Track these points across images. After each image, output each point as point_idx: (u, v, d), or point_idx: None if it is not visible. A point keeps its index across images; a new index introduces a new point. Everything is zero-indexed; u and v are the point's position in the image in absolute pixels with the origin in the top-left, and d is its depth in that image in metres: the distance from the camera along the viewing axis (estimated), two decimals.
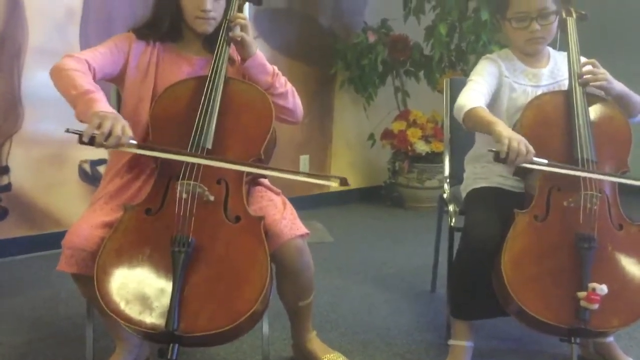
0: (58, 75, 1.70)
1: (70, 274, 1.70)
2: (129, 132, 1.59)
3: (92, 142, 1.55)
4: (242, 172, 1.72)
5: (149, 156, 1.73)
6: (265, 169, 1.75)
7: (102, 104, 1.63)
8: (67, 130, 1.57)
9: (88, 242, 1.65)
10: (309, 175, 1.70)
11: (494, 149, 1.75)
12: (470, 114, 1.89)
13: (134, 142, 1.62)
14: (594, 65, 1.99)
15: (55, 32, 3.07)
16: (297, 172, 1.72)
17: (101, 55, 1.79)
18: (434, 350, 2.17)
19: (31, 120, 3.06)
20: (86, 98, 1.63)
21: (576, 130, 1.88)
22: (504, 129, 1.79)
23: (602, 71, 1.98)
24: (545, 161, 1.78)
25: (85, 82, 1.67)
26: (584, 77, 1.96)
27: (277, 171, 1.68)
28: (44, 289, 2.68)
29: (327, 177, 1.66)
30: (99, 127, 1.55)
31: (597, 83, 1.95)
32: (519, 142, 1.74)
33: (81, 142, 1.56)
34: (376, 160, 4.32)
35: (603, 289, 1.69)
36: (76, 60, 1.72)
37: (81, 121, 1.63)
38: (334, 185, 1.63)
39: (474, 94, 1.97)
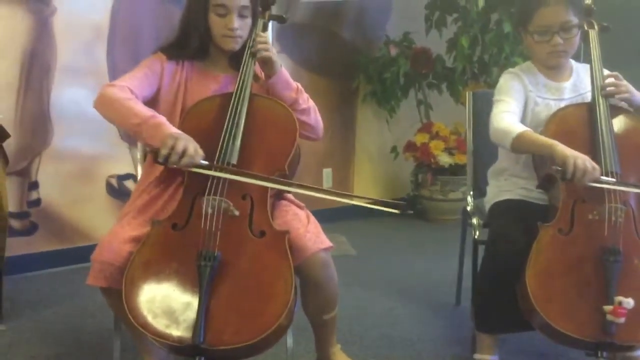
0: (110, 107, 1.75)
1: (99, 288, 1.74)
2: (201, 152, 1.67)
3: (166, 161, 1.63)
4: (266, 187, 1.74)
5: (176, 172, 1.76)
6: (319, 191, 1.78)
7: (170, 127, 1.70)
8: (147, 150, 1.73)
9: (117, 257, 1.69)
10: (372, 200, 1.72)
11: (559, 168, 1.75)
12: (521, 139, 1.88)
13: (206, 162, 1.68)
14: (616, 78, 1.98)
15: (82, 51, 3.14)
16: (357, 197, 1.74)
17: (139, 81, 1.84)
18: None
19: (60, 137, 3.12)
20: (152, 123, 1.70)
21: (600, 142, 1.88)
22: (566, 148, 1.79)
23: (625, 83, 1.97)
24: (613, 180, 1.78)
25: (143, 108, 1.74)
26: (607, 89, 1.96)
27: (334, 194, 1.76)
28: (73, 302, 2.72)
29: (389, 204, 1.70)
30: (173, 147, 1.62)
31: (620, 95, 1.95)
32: (584, 160, 1.75)
33: (156, 161, 1.66)
34: (399, 172, 4.32)
35: (630, 302, 1.68)
36: (120, 88, 1.77)
37: (149, 145, 1.71)
38: (396, 212, 1.66)
39: (513, 117, 1.97)
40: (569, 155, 1.75)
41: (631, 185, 1.82)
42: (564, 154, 1.77)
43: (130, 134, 1.80)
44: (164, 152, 1.63)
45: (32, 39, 3.02)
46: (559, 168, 1.75)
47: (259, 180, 1.71)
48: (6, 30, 2.95)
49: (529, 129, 1.92)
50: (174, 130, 1.69)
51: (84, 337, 2.38)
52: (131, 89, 1.79)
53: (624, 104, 2.00)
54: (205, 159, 1.70)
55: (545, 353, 2.22)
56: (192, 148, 1.64)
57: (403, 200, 4.27)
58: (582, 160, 1.75)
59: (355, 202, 1.73)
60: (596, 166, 1.76)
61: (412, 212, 1.64)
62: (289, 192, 1.91)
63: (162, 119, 1.73)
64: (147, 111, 1.73)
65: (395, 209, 1.68)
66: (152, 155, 1.65)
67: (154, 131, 1.69)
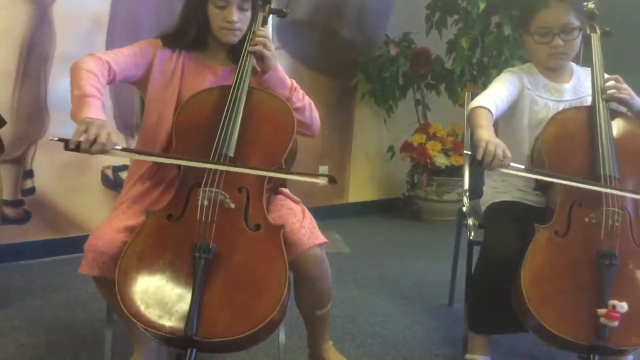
0: (73, 72, 1.73)
1: (91, 277, 1.73)
2: (114, 139, 1.60)
3: (77, 148, 1.57)
4: (263, 181, 1.73)
5: (170, 163, 1.75)
6: (253, 168, 1.73)
7: (94, 110, 1.63)
8: (52, 138, 1.60)
9: (110, 246, 1.68)
10: (299, 174, 1.71)
11: (468, 152, 1.76)
12: (472, 112, 1.92)
13: (119, 147, 1.63)
14: (617, 81, 1.98)
15: (81, 41, 3.13)
16: (288, 172, 1.75)
17: (124, 57, 1.82)
18: None
19: (56, 126, 3.11)
20: (82, 100, 1.65)
21: (598, 146, 1.87)
22: (485, 134, 1.80)
23: (625, 87, 1.97)
24: (522, 166, 1.79)
25: (90, 84, 1.68)
26: (608, 92, 1.96)
27: (267, 171, 1.72)
28: (65, 292, 2.71)
29: (315, 175, 1.68)
30: (85, 132, 1.56)
31: (620, 96, 1.95)
32: (497, 146, 1.75)
33: (67, 149, 1.58)
34: (395, 172, 4.32)
35: (623, 306, 1.67)
36: (96, 60, 1.75)
37: (73, 121, 1.64)
38: (322, 182, 1.64)
39: (487, 97, 1.98)
40: (483, 139, 1.76)
41: (542, 174, 1.83)
42: (480, 137, 1.78)
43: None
44: (74, 138, 1.56)
45: (31, 27, 3.00)
46: (469, 152, 1.75)
47: (208, 164, 1.69)
48: (5, 19, 2.94)
49: (489, 108, 1.92)
50: (93, 114, 1.61)
51: (75, 327, 2.37)
52: (110, 62, 1.76)
53: (623, 108, 2.00)
54: (191, 149, 1.68)
55: (537, 355, 2.22)
56: (104, 135, 1.57)
57: (398, 201, 4.28)
58: (494, 145, 1.74)
59: (281, 175, 1.73)
60: (508, 154, 1.75)
61: (336, 183, 1.62)
62: (284, 185, 1.90)
63: (94, 101, 1.65)
64: (88, 88, 1.66)
65: (320, 179, 1.65)
66: (64, 143, 1.57)
67: (78, 109, 1.63)
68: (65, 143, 1.57)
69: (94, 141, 1.57)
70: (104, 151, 1.59)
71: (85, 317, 2.46)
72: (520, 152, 2.06)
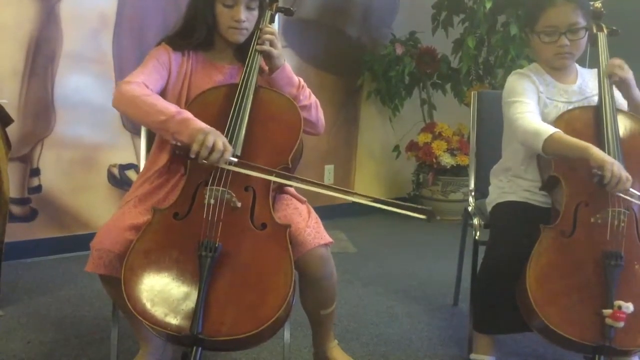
0: (131, 105, 1.73)
1: (97, 275, 1.73)
2: (230, 148, 1.66)
3: (196, 157, 1.63)
4: (269, 180, 1.74)
5: (180, 162, 1.76)
6: (329, 188, 1.75)
7: (198, 121, 1.69)
8: (175, 144, 1.70)
9: (116, 244, 1.68)
10: (396, 205, 1.69)
11: (599, 172, 1.73)
12: (554, 140, 1.85)
13: (235, 159, 1.67)
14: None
15: (88, 39, 3.14)
16: (383, 201, 1.70)
17: (151, 75, 1.82)
18: None
19: (62, 124, 3.12)
20: (179, 119, 1.68)
21: (605, 146, 1.87)
22: (602, 152, 1.78)
23: (628, 69, 1.97)
24: (638, 194, 1.78)
25: (166, 104, 1.73)
26: (614, 67, 1.95)
27: (354, 195, 1.73)
28: (71, 289, 2.72)
29: (413, 209, 1.63)
30: (203, 142, 1.61)
31: (623, 75, 1.95)
32: (620, 167, 1.74)
33: (187, 157, 1.65)
34: (401, 172, 4.32)
35: (629, 307, 1.67)
36: (137, 85, 1.75)
37: (177, 140, 1.69)
38: (421, 217, 1.62)
39: (539, 118, 1.95)
40: (607, 161, 1.74)
41: None
42: (602, 158, 1.75)
43: (155, 131, 1.78)
44: (195, 147, 1.61)
45: (38, 25, 3.01)
46: (599, 172, 1.73)
47: (268, 174, 1.70)
48: (13, 16, 2.95)
49: (559, 130, 1.89)
50: (203, 125, 1.68)
51: (81, 324, 2.38)
52: (146, 84, 1.77)
53: (623, 105, 1.99)
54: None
55: (542, 355, 2.22)
56: (220, 143, 1.63)
57: (403, 200, 4.28)
58: (618, 167, 1.74)
59: (373, 204, 1.69)
60: (629, 177, 1.75)
61: (438, 218, 1.58)
62: (291, 186, 1.90)
63: (188, 114, 1.71)
64: (171, 107, 1.72)
65: (422, 214, 1.62)
66: (177, 150, 1.64)
67: (181, 127, 1.67)
68: (186, 152, 1.64)
69: (212, 149, 1.62)
70: (222, 159, 1.64)
71: (92, 315, 2.47)
72: (527, 155, 2.06)
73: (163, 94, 1.88)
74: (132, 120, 1.76)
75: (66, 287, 2.75)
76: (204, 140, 1.61)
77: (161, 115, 1.69)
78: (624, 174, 1.74)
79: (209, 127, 1.67)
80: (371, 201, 1.69)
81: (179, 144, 1.70)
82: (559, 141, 1.85)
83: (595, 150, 1.78)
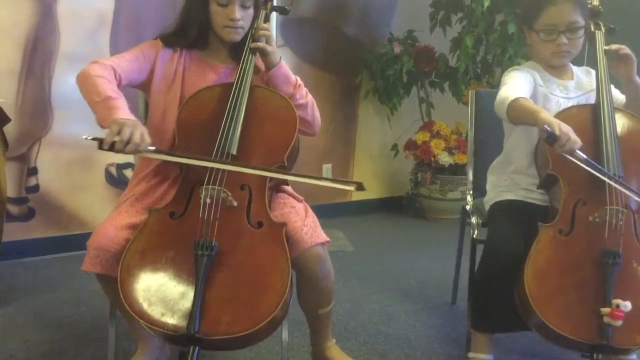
0: (83, 81, 1.72)
1: (94, 275, 1.73)
2: (147, 139, 1.61)
3: (111, 148, 1.58)
4: (265, 178, 1.73)
5: (174, 161, 1.75)
6: (286, 174, 1.74)
7: (123, 111, 1.64)
8: (87, 138, 1.60)
9: (113, 243, 1.68)
10: (329, 180, 1.70)
11: (548, 128, 1.72)
12: (515, 104, 1.86)
13: (152, 148, 1.63)
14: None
15: (86, 38, 3.13)
16: (318, 177, 1.71)
17: (127, 62, 1.82)
18: None
19: (60, 124, 3.12)
20: (107, 104, 1.65)
21: (603, 144, 1.86)
22: (553, 117, 1.77)
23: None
24: (585, 157, 1.76)
25: (108, 88, 1.69)
26: (613, 47, 1.97)
27: (299, 176, 1.68)
28: (69, 289, 2.72)
29: (345, 182, 1.66)
30: (119, 133, 1.57)
31: (625, 52, 1.96)
32: (569, 128, 1.74)
33: (101, 148, 1.58)
34: (399, 170, 4.32)
35: (627, 305, 1.67)
36: (102, 66, 1.75)
37: (102, 127, 1.65)
38: (350, 189, 1.63)
39: (516, 88, 1.95)
40: (555, 121, 1.74)
41: (598, 171, 1.80)
42: (550, 119, 1.76)
43: (93, 112, 1.74)
44: (108, 138, 1.57)
45: (35, 24, 3.01)
46: (548, 129, 1.72)
47: (236, 167, 1.68)
48: (10, 15, 2.95)
49: (526, 96, 1.89)
50: (123, 115, 1.63)
51: (79, 324, 2.38)
52: (115, 68, 1.76)
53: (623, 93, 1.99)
54: (194, 147, 1.66)
55: (540, 353, 2.22)
56: (137, 134, 1.58)
57: (401, 199, 4.27)
58: (567, 127, 1.74)
59: (311, 181, 1.69)
60: (578, 140, 1.74)
61: (365, 189, 1.61)
62: (286, 183, 1.90)
63: (120, 102, 1.66)
64: (109, 92, 1.68)
65: (349, 186, 1.64)
66: (97, 142, 1.58)
67: (106, 113, 1.64)
68: (99, 143, 1.58)
69: (128, 141, 1.57)
70: (137, 151, 1.60)
71: (89, 314, 2.46)
72: (531, 150, 2.05)
73: (146, 88, 1.88)
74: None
75: (64, 286, 2.75)
76: (119, 130, 1.57)
77: (96, 96, 1.67)
78: (573, 135, 1.73)
79: (128, 119, 1.61)
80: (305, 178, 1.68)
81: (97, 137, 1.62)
82: (518, 106, 1.86)
83: (543, 114, 1.78)
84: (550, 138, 1.72)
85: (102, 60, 1.78)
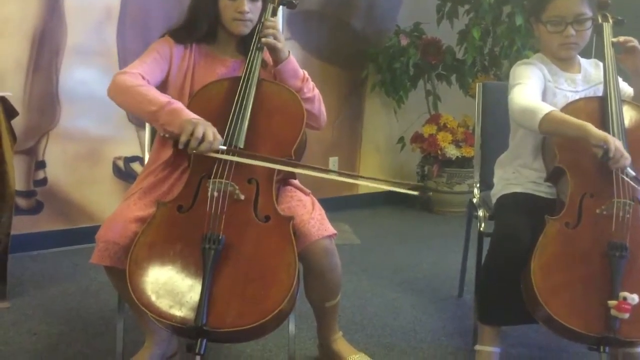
0: (124, 95, 1.74)
1: (103, 267, 1.74)
2: (219, 138, 1.66)
3: (186, 146, 1.64)
4: (272, 172, 1.74)
5: (184, 155, 1.76)
6: (327, 171, 1.79)
7: (188, 112, 1.70)
8: (164, 135, 1.71)
9: (121, 236, 1.69)
10: (389, 182, 1.72)
11: (604, 146, 1.72)
12: (550, 118, 1.82)
13: (224, 147, 1.68)
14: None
15: (93, 32, 3.14)
16: (375, 179, 1.75)
17: (149, 66, 1.83)
18: (460, 355, 2.16)
19: (68, 117, 3.13)
20: (169, 109, 1.69)
21: None
22: (601, 132, 1.76)
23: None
24: (634, 174, 1.78)
25: (158, 94, 1.74)
26: (621, 39, 1.97)
27: (361, 179, 1.75)
28: (77, 282, 2.73)
29: (405, 185, 1.68)
30: (192, 133, 1.62)
31: (632, 44, 1.95)
32: (620, 143, 1.74)
33: (176, 147, 1.66)
34: (405, 163, 4.31)
35: (634, 298, 1.67)
36: (132, 75, 1.76)
37: (166, 132, 1.70)
38: (414, 193, 1.66)
39: (537, 96, 1.93)
40: (608, 136, 1.74)
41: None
42: (604, 133, 1.75)
43: (146, 121, 1.79)
44: (183, 138, 1.63)
45: (42, 18, 3.02)
46: (604, 146, 1.71)
47: (272, 163, 1.70)
48: (17, 10, 2.95)
49: (555, 108, 1.87)
50: (192, 115, 1.68)
51: (87, 316, 2.39)
52: (143, 75, 1.78)
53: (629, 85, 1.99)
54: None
55: (547, 346, 2.22)
56: (210, 133, 1.64)
57: (415, 187, 4.27)
58: (618, 142, 1.74)
59: (368, 183, 1.71)
60: (628, 155, 1.75)
61: (430, 193, 1.64)
62: (293, 176, 1.90)
63: (179, 104, 1.72)
64: (162, 97, 1.73)
65: (414, 190, 1.67)
66: (172, 141, 1.65)
67: (171, 117, 1.68)
68: (174, 142, 1.65)
69: (202, 139, 1.62)
70: (211, 149, 1.65)
71: (97, 307, 2.48)
72: (538, 144, 2.05)
73: (164, 86, 1.88)
74: (126, 111, 1.75)
75: (72, 279, 2.77)
76: (193, 130, 1.62)
77: (152, 105, 1.70)
78: (624, 151, 1.74)
79: (198, 117, 1.67)
80: (373, 182, 1.69)
81: (167, 135, 1.70)
82: (556, 119, 1.83)
83: (594, 128, 1.77)
84: (606, 156, 1.73)
85: (128, 70, 1.79)
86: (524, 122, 1.91)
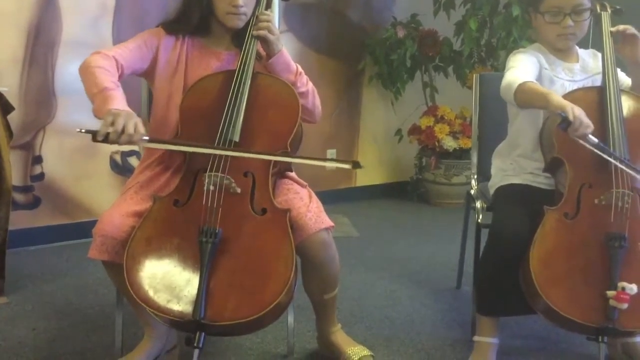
0: (84, 72, 1.72)
1: (100, 262, 1.74)
2: (141, 129, 1.59)
3: (105, 139, 1.57)
4: (268, 165, 1.73)
5: (174, 150, 1.75)
6: (285, 156, 1.74)
7: (118, 102, 1.64)
8: (80, 130, 1.59)
9: (119, 231, 1.69)
10: (325, 160, 1.72)
11: (562, 114, 1.70)
12: (524, 88, 1.84)
13: (146, 138, 1.63)
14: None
15: (88, 26, 3.12)
16: (313, 158, 1.73)
17: (130, 51, 1.81)
18: (459, 346, 2.16)
19: (64, 112, 3.12)
20: (103, 95, 1.65)
21: (609, 127, 1.85)
22: (562, 99, 1.76)
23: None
24: (597, 140, 1.75)
25: (106, 79, 1.68)
26: (620, 28, 1.96)
27: (297, 158, 1.71)
28: (75, 276, 2.73)
29: (341, 161, 1.68)
30: (112, 124, 1.56)
31: (631, 32, 1.95)
32: (581, 112, 1.72)
33: (95, 140, 1.57)
34: (403, 155, 4.31)
35: (633, 288, 1.67)
36: (103, 56, 1.74)
37: (97, 118, 1.64)
38: (346, 167, 1.66)
39: (522, 72, 1.93)
40: (567, 104, 1.73)
41: (611, 156, 1.79)
42: (562, 102, 1.74)
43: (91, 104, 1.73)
44: (102, 130, 1.56)
45: (38, 12, 3.00)
46: (562, 114, 1.70)
47: (229, 152, 1.69)
48: (12, 3, 2.94)
49: (533, 80, 1.88)
50: (118, 105, 1.62)
51: (86, 311, 2.39)
52: (117, 58, 1.76)
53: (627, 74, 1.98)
54: (196, 134, 1.66)
55: (546, 337, 2.22)
56: (131, 125, 1.56)
57: (406, 184, 4.27)
58: (579, 111, 1.72)
59: (305, 161, 1.73)
60: (590, 123, 1.73)
61: (362, 167, 1.65)
62: (290, 169, 1.89)
63: (116, 93, 1.66)
64: (106, 83, 1.67)
65: (347, 164, 1.67)
66: (91, 135, 1.56)
67: (102, 104, 1.63)
68: (93, 135, 1.57)
69: (122, 132, 1.56)
70: (132, 142, 1.59)
71: (96, 301, 2.48)
72: (536, 134, 2.04)
73: (150, 77, 1.87)
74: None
75: (70, 274, 2.76)
76: (113, 121, 1.56)
77: (94, 87, 1.67)
78: (585, 119, 1.72)
79: (123, 109, 1.61)
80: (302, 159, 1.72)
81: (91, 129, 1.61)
82: (527, 89, 1.84)
83: (555, 96, 1.77)
84: (564, 123, 1.71)
85: (104, 51, 1.77)
86: (505, 95, 1.93)
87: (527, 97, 1.85)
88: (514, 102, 1.89)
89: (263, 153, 1.73)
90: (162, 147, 1.71)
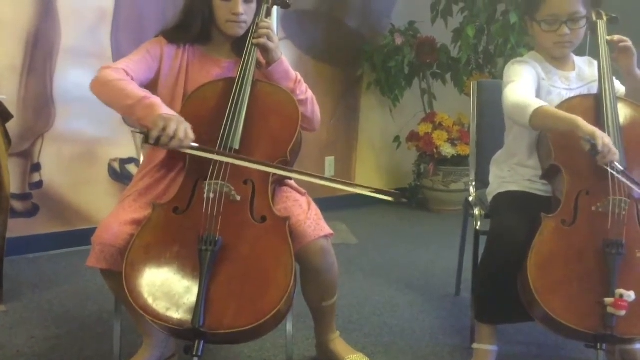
0: (105, 88, 1.74)
1: (99, 270, 1.74)
2: (191, 135, 1.65)
3: (157, 142, 1.62)
4: (268, 173, 1.74)
5: (179, 156, 1.76)
6: (322, 178, 1.75)
7: (164, 108, 1.69)
8: (134, 131, 1.69)
9: (117, 239, 1.69)
10: (366, 188, 1.72)
11: (591, 141, 1.71)
12: (540, 112, 1.82)
13: (195, 144, 1.67)
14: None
15: (87, 33, 3.13)
16: (351, 184, 1.76)
17: (135, 63, 1.83)
18: (458, 353, 2.16)
19: (62, 119, 3.12)
20: (144, 104, 1.68)
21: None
22: (588, 124, 1.75)
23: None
24: (622, 168, 1.78)
25: (136, 88, 1.73)
26: (616, 38, 1.97)
27: (334, 182, 1.74)
28: (74, 284, 2.73)
29: (384, 192, 1.70)
30: (164, 129, 1.61)
31: (625, 45, 1.95)
32: (610, 140, 1.73)
33: (147, 142, 1.64)
34: (401, 162, 4.32)
35: (630, 295, 1.67)
36: (115, 70, 1.76)
37: (142, 126, 1.69)
38: (389, 199, 1.68)
39: (529, 92, 1.93)
40: (597, 130, 1.73)
41: (635, 183, 1.80)
42: (592, 128, 1.74)
43: (124, 115, 1.78)
44: (154, 133, 1.61)
45: (36, 20, 3.01)
46: (591, 141, 1.71)
47: (256, 164, 1.70)
48: (11, 12, 2.95)
49: (546, 103, 1.87)
50: (166, 111, 1.68)
51: (84, 319, 2.39)
52: (127, 71, 1.78)
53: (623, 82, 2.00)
54: (197, 142, 1.68)
55: (544, 344, 2.22)
56: (182, 131, 1.62)
57: (405, 191, 4.27)
58: (608, 138, 1.74)
59: (354, 190, 1.73)
60: (616, 151, 1.74)
61: (405, 200, 1.66)
62: (290, 178, 1.90)
63: (156, 99, 1.71)
64: (140, 92, 1.72)
65: (389, 197, 1.69)
66: (143, 136, 1.63)
67: (147, 112, 1.67)
68: (145, 136, 1.63)
69: (173, 136, 1.61)
70: (182, 147, 1.64)
71: (94, 309, 2.47)
72: (533, 142, 2.05)
73: (154, 86, 1.88)
74: (106, 105, 1.74)
75: (69, 282, 2.76)
76: (164, 126, 1.61)
77: (129, 99, 1.70)
78: (613, 147, 1.73)
79: (172, 113, 1.67)
80: (371, 192, 1.70)
81: (140, 131, 1.67)
82: (546, 114, 1.82)
83: (584, 122, 1.76)
84: (593, 150, 1.72)
85: (112, 65, 1.79)
86: (516, 118, 1.91)
87: (548, 122, 1.83)
88: (527, 125, 1.86)
89: (295, 171, 1.75)
90: (207, 156, 1.70)
